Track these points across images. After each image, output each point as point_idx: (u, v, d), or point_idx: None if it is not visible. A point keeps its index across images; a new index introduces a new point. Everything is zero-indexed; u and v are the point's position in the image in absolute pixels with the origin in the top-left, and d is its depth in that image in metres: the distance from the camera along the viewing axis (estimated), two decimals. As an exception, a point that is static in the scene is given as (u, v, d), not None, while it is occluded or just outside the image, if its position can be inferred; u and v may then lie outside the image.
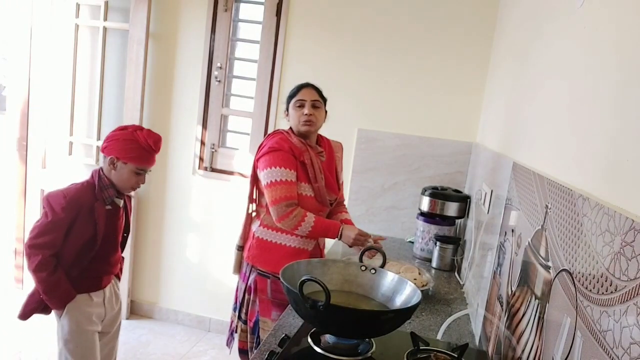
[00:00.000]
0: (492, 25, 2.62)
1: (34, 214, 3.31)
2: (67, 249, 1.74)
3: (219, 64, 2.99)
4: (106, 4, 3.03)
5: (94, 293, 1.85)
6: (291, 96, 2.00)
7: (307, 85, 2.00)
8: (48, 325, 3.06)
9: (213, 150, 3.05)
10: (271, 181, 1.88)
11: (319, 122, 1.99)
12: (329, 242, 2.34)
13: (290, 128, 2.03)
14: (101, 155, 1.82)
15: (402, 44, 2.74)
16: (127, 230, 1.98)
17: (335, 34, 2.80)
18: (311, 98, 1.96)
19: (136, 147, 1.76)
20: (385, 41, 2.75)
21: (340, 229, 1.91)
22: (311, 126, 1.95)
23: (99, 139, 3.18)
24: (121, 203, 1.87)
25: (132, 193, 1.98)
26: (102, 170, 1.79)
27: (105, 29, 3.06)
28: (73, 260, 1.75)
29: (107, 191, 1.78)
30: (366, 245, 1.88)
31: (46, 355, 2.75)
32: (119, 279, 2.02)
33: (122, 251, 1.99)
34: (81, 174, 3.22)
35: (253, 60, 2.97)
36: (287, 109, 2.01)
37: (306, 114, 1.93)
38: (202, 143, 3.06)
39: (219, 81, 3.00)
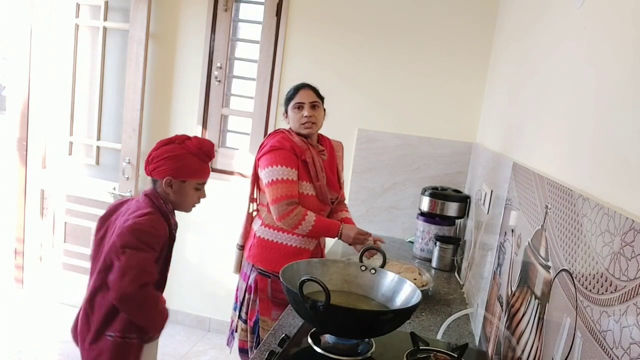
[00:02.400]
0: (492, 25, 2.62)
1: (34, 213, 3.32)
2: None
3: (219, 64, 2.99)
4: (106, 4, 3.03)
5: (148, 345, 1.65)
6: (289, 99, 1.99)
7: (303, 86, 1.99)
8: (48, 325, 3.07)
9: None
10: (272, 180, 1.88)
11: (320, 122, 1.99)
12: (329, 242, 2.34)
13: (291, 128, 2.03)
14: (147, 179, 1.63)
15: (402, 45, 2.74)
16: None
17: (335, 34, 2.80)
18: (309, 100, 1.96)
19: (192, 161, 1.54)
20: (386, 41, 2.75)
21: (340, 228, 1.91)
22: (312, 128, 1.96)
23: (99, 139, 3.19)
24: (176, 231, 1.67)
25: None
26: (160, 195, 1.56)
27: (105, 29, 3.06)
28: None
29: (173, 217, 1.59)
30: (366, 244, 1.88)
31: (46, 355, 2.75)
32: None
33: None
34: (81, 174, 3.23)
35: (253, 60, 2.97)
36: (286, 111, 2.01)
37: (306, 116, 1.93)
38: (202, 143, 3.06)
39: (219, 81, 3.00)
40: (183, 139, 1.57)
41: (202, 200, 1.63)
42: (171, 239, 1.59)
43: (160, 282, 1.62)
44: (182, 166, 1.53)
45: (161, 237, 1.49)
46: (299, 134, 1.98)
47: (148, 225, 1.46)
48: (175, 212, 1.64)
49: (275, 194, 1.87)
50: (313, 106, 1.96)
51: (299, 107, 1.95)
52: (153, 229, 1.46)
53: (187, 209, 1.63)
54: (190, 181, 1.56)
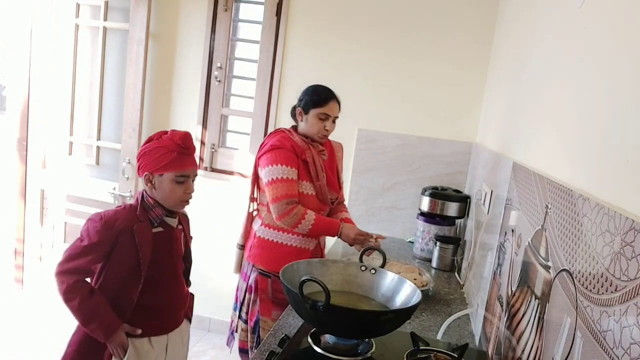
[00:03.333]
0: (492, 25, 2.62)
1: (34, 214, 3.32)
2: (109, 279, 1.50)
3: (219, 64, 2.99)
4: (106, 4, 3.03)
5: (155, 338, 1.57)
6: (316, 103, 1.94)
7: (333, 98, 1.97)
8: (48, 325, 3.07)
9: (213, 150, 3.05)
10: (272, 179, 1.88)
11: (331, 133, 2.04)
12: (329, 242, 2.34)
13: (293, 127, 2.03)
14: (141, 180, 1.61)
15: (402, 44, 2.74)
16: (187, 259, 1.72)
17: (336, 34, 2.80)
18: (334, 114, 1.98)
19: (165, 153, 1.51)
20: (385, 41, 2.75)
21: (340, 227, 1.92)
22: (325, 138, 2.01)
23: (99, 139, 3.19)
24: (175, 223, 1.61)
25: (185, 211, 1.72)
26: (146, 191, 1.57)
27: (105, 29, 3.06)
28: (118, 293, 1.50)
29: (154, 210, 1.54)
30: (366, 244, 1.88)
31: (46, 355, 2.75)
32: (189, 320, 1.75)
33: (187, 285, 1.73)
34: (81, 174, 3.23)
35: (253, 60, 2.97)
36: (306, 112, 1.96)
37: (327, 130, 1.96)
38: (202, 143, 3.06)
39: (219, 81, 3.00)
40: (160, 134, 1.56)
41: (193, 195, 1.58)
42: (147, 234, 1.52)
43: (160, 292, 1.57)
44: (155, 159, 1.51)
45: (109, 225, 1.46)
46: (304, 135, 1.98)
47: (99, 215, 1.49)
48: (177, 211, 1.61)
49: (275, 193, 1.87)
50: (334, 121, 1.99)
51: (324, 118, 1.95)
52: (100, 217, 1.48)
53: (174, 205, 1.56)
54: (166, 174, 1.52)
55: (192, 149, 1.58)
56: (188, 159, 1.56)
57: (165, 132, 1.56)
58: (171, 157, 1.52)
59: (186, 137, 1.54)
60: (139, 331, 1.52)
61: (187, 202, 1.58)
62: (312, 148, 1.96)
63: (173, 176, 1.52)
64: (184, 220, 1.71)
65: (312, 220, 1.87)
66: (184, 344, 1.71)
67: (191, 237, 1.76)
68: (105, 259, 1.50)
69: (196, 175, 1.61)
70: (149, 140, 1.57)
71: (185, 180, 1.55)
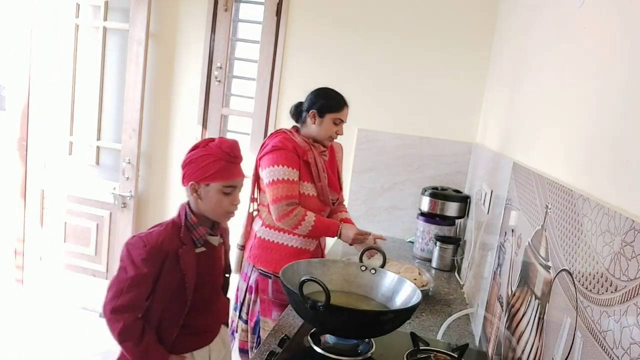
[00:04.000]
0: (492, 24, 2.62)
1: (34, 214, 3.32)
2: (155, 307, 1.41)
3: (219, 64, 2.98)
4: (106, 4, 3.03)
5: (198, 351, 1.54)
6: (332, 108, 1.97)
7: (346, 104, 2.04)
8: (48, 325, 3.07)
9: (213, 150, 3.05)
10: (273, 180, 1.88)
11: None
12: (330, 243, 2.34)
13: (294, 127, 2.03)
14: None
15: (402, 44, 2.74)
16: (227, 270, 1.66)
17: (336, 34, 2.80)
18: (346, 120, 2.04)
19: (213, 161, 1.42)
20: (386, 41, 2.75)
21: (340, 228, 1.92)
22: (332, 140, 2.05)
23: (99, 139, 3.19)
24: (217, 241, 1.52)
25: (226, 223, 1.63)
26: (189, 206, 1.46)
27: (105, 29, 3.06)
28: (163, 318, 1.43)
29: (197, 230, 1.45)
30: (365, 244, 1.89)
31: (46, 355, 2.75)
32: (226, 325, 1.71)
33: (225, 294, 1.68)
34: (81, 174, 3.23)
35: (253, 60, 2.97)
36: (320, 114, 1.96)
37: (338, 134, 2.01)
38: (202, 143, 3.06)
39: (219, 81, 3.00)
40: (207, 142, 1.45)
41: (237, 206, 1.49)
42: (191, 257, 1.43)
43: (203, 308, 1.50)
44: (202, 168, 1.41)
45: (154, 251, 1.36)
46: (309, 137, 1.98)
47: (142, 240, 1.37)
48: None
49: (276, 194, 1.87)
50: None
51: (339, 123, 2.00)
52: (144, 243, 1.36)
53: (220, 217, 1.48)
54: (213, 184, 1.42)
55: (240, 158, 1.49)
56: (236, 169, 1.47)
57: (212, 140, 1.47)
58: (219, 166, 1.42)
59: (235, 145, 1.46)
60: (186, 358, 1.48)
61: (232, 214, 1.49)
62: (313, 149, 1.96)
63: (220, 186, 1.43)
64: (225, 233, 1.64)
65: (312, 221, 1.88)
66: (225, 346, 1.66)
67: (229, 247, 1.69)
68: (153, 288, 1.40)
69: (242, 185, 1.50)
70: (195, 147, 1.46)
71: (232, 191, 1.46)
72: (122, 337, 1.35)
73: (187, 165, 1.43)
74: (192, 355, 1.51)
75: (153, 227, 1.44)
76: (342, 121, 2.00)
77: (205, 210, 1.45)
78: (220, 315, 1.62)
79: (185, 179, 1.44)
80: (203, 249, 1.47)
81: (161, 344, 1.42)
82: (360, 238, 1.91)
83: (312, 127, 1.98)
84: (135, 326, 1.36)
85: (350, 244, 1.95)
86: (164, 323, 1.43)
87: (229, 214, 1.48)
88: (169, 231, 1.42)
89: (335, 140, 2.07)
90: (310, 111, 1.97)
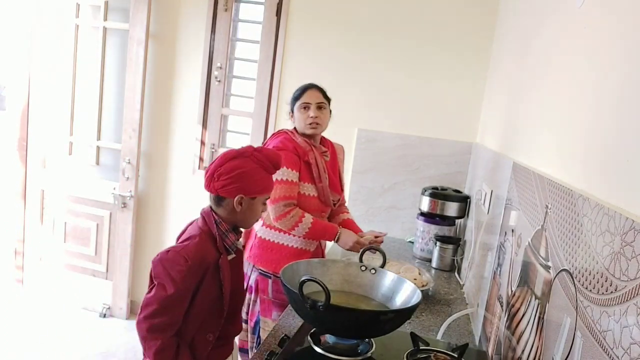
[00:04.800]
0: (492, 25, 2.62)
1: (34, 214, 3.32)
2: (192, 320, 1.35)
3: (219, 64, 2.99)
4: (106, 4, 3.03)
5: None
6: (296, 98, 1.98)
7: (311, 87, 1.99)
8: (48, 325, 3.07)
9: (213, 150, 3.05)
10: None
11: (325, 123, 2.00)
12: (330, 243, 2.34)
13: (295, 128, 2.03)
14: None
15: (402, 44, 2.74)
16: None
17: (336, 34, 2.80)
18: (316, 100, 1.95)
19: (262, 176, 1.39)
20: (386, 41, 2.75)
21: (338, 233, 1.92)
22: (317, 128, 1.96)
23: (99, 139, 3.19)
24: (241, 245, 1.51)
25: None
26: (217, 213, 1.39)
27: (105, 29, 3.06)
28: (200, 331, 1.38)
29: (229, 237, 1.40)
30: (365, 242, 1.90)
31: (46, 355, 2.75)
32: None
33: None
34: (81, 174, 3.22)
35: (253, 60, 2.97)
36: (292, 111, 2.00)
37: (312, 117, 1.93)
38: (202, 143, 3.06)
39: (219, 81, 3.00)
40: (252, 152, 1.38)
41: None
42: (227, 263, 1.40)
43: (233, 315, 1.47)
44: (253, 182, 1.37)
45: (195, 265, 1.31)
46: (303, 135, 1.98)
47: (180, 255, 1.30)
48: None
49: (274, 195, 1.87)
50: (319, 107, 1.95)
51: (306, 107, 1.95)
52: (184, 258, 1.29)
53: (249, 225, 1.48)
54: (260, 197, 1.40)
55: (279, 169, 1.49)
56: (272, 180, 1.47)
57: (259, 150, 1.41)
58: (268, 180, 1.42)
59: (280, 158, 1.45)
60: None
61: (256, 222, 1.52)
62: (314, 149, 1.96)
63: (264, 199, 1.43)
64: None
65: (309, 223, 1.87)
66: (235, 348, 1.63)
67: None
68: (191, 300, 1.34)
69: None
70: (238, 155, 1.38)
71: (266, 202, 1.47)
72: (158, 356, 1.28)
73: (235, 177, 1.35)
74: None
75: (185, 240, 1.36)
76: (308, 104, 1.94)
77: (239, 220, 1.41)
78: (241, 319, 1.59)
79: (231, 191, 1.35)
80: (234, 255, 1.45)
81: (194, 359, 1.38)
82: (357, 247, 1.91)
83: (294, 125, 2.01)
84: (171, 344, 1.30)
85: (348, 250, 1.95)
86: (199, 337, 1.38)
87: (256, 222, 1.50)
88: (204, 241, 1.35)
89: (316, 123, 1.95)
90: (289, 113, 2.03)
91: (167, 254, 1.32)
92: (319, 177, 1.95)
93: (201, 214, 1.42)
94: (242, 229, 1.47)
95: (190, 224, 1.46)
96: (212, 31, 2.97)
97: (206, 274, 1.33)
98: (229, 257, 1.41)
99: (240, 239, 1.48)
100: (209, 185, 1.38)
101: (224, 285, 1.37)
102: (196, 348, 1.37)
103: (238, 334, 1.56)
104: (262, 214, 1.46)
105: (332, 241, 1.94)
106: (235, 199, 1.35)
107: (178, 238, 1.43)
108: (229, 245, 1.41)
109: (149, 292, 1.32)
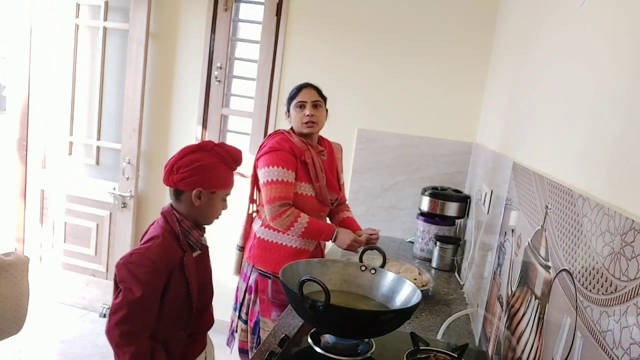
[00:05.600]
0: (492, 25, 2.62)
1: (34, 214, 3.32)
2: (164, 320, 1.34)
3: (219, 64, 2.98)
4: (106, 4, 3.03)
5: (200, 356, 1.53)
6: (291, 97, 1.99)
7: (306, 86, 1.99)
8: (48, 325, 3.07)
9: (213, 150, 3.05)
10: (268, 180, 1.88)
11: (321, 122, 1.99)
12: (330, 242, 2.34)
13: (292, 128, 2.03)
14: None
15: (402, 44, 2.74)
16: None
17: (336, 34, 2.80)
18: (312, 99, 1.95)
19: (222, 170, 1.40)
20: (386, 41, 2.75)
21: (335, 232, 1.91)
22: (313, 127, 1.96)
23: (99, 139, 3.19)
24: (206, 241, 1.51)
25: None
26: (177, 211, 1.40)
27: (105, 29, 3.06)
28: (172, 329, 1.38)
29: (192, 235, 1.40)
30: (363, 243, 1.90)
31: (46, 355, 2.75)
32: None
33: None
34: (81, 174, 3.22)
35: (253, 60, 2.97)
36: (288, 110, 2.01)
37: (308, 115, 1.93)
38: (202, 143, 3.06)
39: (219, 81, 3.00)
40: (212, 146, 1.40)
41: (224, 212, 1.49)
42: (192, 261, 1.40)
43: (202, 311, 1.48)
44: (213, 176, 1.38)
45: (161, 266, 1.30)
46: (300, 134, 1.98)
47: (145, 257, 1.30)
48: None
49: (270, 195, 1.87)
50: (315, 105, 1.95)
51: (301, 106, 1.95)
52: (149, 260, 1.29)
53: (210, 221, 1.46)
54: (219, 192, 1.41)
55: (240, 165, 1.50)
56: (233, 176, 1.47)
57: (219, 145, 1.42)
58: (228, 175, 1.43)
59: (241, 154, 1.46)
60: None
61: (217, 219, 1.49)
62: (311, 149, 1.96)
63: (224, 194, 1.44)
64: None
65: (305, 223, 1.87)
66: (210, 343, 1.65)
67: None
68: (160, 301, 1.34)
69: None
70: (198, 149, 1.39)
71: (226, 198, 1.47)
72: (128, 353, 1.27)
73: (194, 169, 1.35)
74: None
75: (147, 242, 1.35)
76: (304, 102, 1.94)
77: (199, 215, 1.41)
78: (212, 315, 1.59)
79: (189, 183, 1.35)
80: (199, 251, 1.45)
81: (170, 358, 1.38)
82: (356, 246, 1.91)
83: (291, 125, 2.01)
84: (146, 347, 1.29)
85: (345, 249, 1.94)
86: (171, 336, 1.38)
87: (217, 218, 1.47)
88: (168, 241, 1.35)
89: (312, 122, 1.95)
90: (285, 114, 2.04)
91: (131, 257, 1.30)
92: (316, 177, 1.95)
93: (162, 213, 1.41)
94: (205, 225, 1.46)
95: (152, 224, 1.46)
96: (212, 31, 2.97)
97: (172, 273, 1.33)
98: (194, 254, 1.41)
99: (205, 235, 1.48)
100: (167, 179, 1.39)
101: (190, 283, 1.37)
102: (170, 346, 1.37)
103: (210, 329, 1.57)
104: (221, 212, 1.46)
105: (330, 241, 1.94)
106: (194, 192, 1.36)
107: (141, 239, 1.43)
108: (194, 242, 1.40)
109: (116, 297, 1.29)
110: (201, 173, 1.36)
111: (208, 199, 1.39)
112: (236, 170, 1.48)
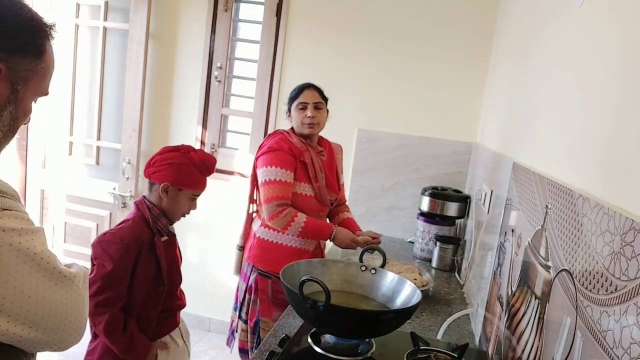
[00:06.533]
0: (492, 25, 2.62)
1: (34, 214, 3.32)
2: (136, 296, 1.50)
3: (219, 64, 2.99)
4: (106, 4, 3.03)
5: (173, 332, 1.68)
6: (293, 98, 1.99)
7: (308, 86, 1.99)
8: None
9: (213, 150, 3.05)
10: (266, 180, 1.89)
11: (322, 124, 2.00)
12: (330, 242, 2.34)
13: (292, 128, 2.03)
14: (145, 181, 1.63)
15: (402, 44, 2.74)
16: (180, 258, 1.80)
17: (336, 34, 2.80)
18: (313, 100, 1.96)
19: (192, 172, 1.56)
20: (385, 41, 2.75)
21: (333, 232, 1.91)
22: (314, 128, 1.96)
23: (99, 139, 3.19)
24: (174, 230, 1.67)
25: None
26: (148, 200, 1.58)
27: (105, 29, 3.06)
28: (144, 306, 1.53)
29: (160, 221, 1.56)
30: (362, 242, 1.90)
31: (46, 355, 2.75)
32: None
33: None
34: (81, 174, 3.22)
35: (253, 60, 2.97)
36: (289, 110, 2.01)
37: (309, 117, 1.93)
38: (202, 143, 3.06)
39: (219, 81, 3.00)
40: (188, 150, 1.58)
41: (199, 197, 1.65)
42: (161, 244, 1.55)
43: (172, 292, 1.63)
44: (181, 175, 1.55)
45: (131, 244, 1.46)
46: (300, 135, 1.98)
47: (116, 236, 1.46)
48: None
49: (268, 194, 1.87)
50: (316, 107, 1.96)
51: (303, 107, 1.95)
52: (119, 238, 1.45)
53: (176, 217, 1.62)
54: (186, 191, 1.57)
55: (213, 172, 1.65)
56: (206, 181, 1.64)
57: (194, 150, 1.60)
58: (197, 178, 1.58)
59: (214, 163, 1.63)
60: (169, 345, 1.60)
61: (184, 216, 1.64)
62: (310, 149, 1.96)
63: (191, 194, 1.59)
64: None
65: (302, 223, 1.87)
66: (183, 323, 1.79)
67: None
68: (131, 278, 1.49)
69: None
70: (174, 150, 1.57)
71: (196, 198, 1.62)
72: (107, 329, 1.42)
73: (165, 165, 1.53)
74: (170, 336, 1.65)
75: (120, 224, 1.53)
76: (305, 104, 1.95)
77: (167, 208, 1.57)
78: (182, 297, 1.74)
79: (159, 177, 1.53)
80: (166, 237, 1.60)
81: (143, 333, 1.51)
82: (353, 245, 1.91)
83: (291, 125, 2.02)
84: (118, 318, 1.44)
85: (344, 248, 1.95)
86: (145, 312, 1.53)
87: (183, 216, 1.63)
88: (137, 223, 1.52)
89: (313, 123, 1.95)
90: (286, 113, 2.04)
91: (104, 236, 1.48)
92: (315, 177, 1.95)
93: (134, 203, 1.59)
94: (171, 220, 1.61)
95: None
96: (212, 31, 2.97)
97: (141, 251, 1.49)
98: (162, 239, 1.57)
99: (172, 225, 1.64)
100: (145, 171, 1.58)
101: (161, 261, 1.53)
102: (142, 322, 1.52)
103: (181, 309, 1.71)
104: (189, 211, 1.61)
105: (329, 240, 1.94)
106: (162, 185, 1.53)
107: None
108: (161, 228, 1.56)
109: (91, 272, 1.43)
110: (171, 170, 1.53)
111: (174, 195, 1.56)
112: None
